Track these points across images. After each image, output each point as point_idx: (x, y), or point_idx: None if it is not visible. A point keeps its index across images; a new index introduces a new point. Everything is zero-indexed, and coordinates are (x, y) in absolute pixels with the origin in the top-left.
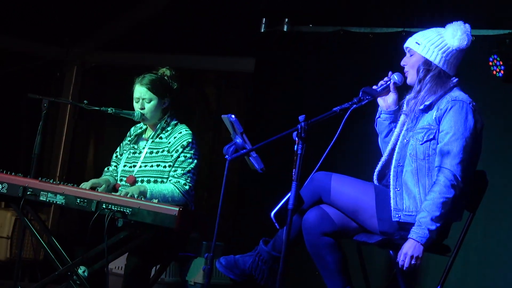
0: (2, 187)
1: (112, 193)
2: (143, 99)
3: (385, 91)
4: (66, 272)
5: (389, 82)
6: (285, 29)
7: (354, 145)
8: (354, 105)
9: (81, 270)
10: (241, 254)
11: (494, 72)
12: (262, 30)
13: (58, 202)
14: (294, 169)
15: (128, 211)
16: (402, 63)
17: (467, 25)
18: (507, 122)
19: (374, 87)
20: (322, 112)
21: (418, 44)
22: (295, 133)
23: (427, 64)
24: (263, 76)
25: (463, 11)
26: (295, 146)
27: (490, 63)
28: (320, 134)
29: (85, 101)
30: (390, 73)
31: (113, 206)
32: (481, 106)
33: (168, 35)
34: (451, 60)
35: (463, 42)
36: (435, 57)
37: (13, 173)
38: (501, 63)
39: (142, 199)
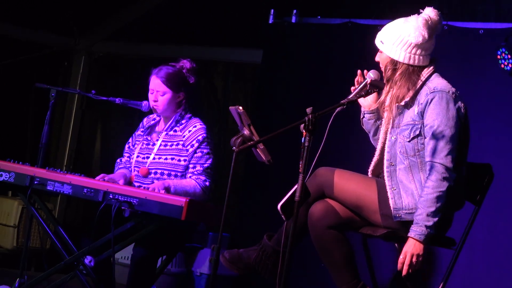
0: (10, 176)
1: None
2: (157, 91)
3: (364, 88)
4: (72, 262)
5: (366, 80)
6: (293, 21)
7: (356, 140)
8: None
9: (87, 260)
10: (245, 248)
11: (502, 66)
12: (270, 22)
13: (65, 192)
14: (300, 161)
15: (135, 201)
16: (376, 59)
17: (428, 11)
18: None
19: (352, 88)
20: (329, 104)
21: (382, 43)
22: (302, 125)
23: (392, 63)
24: (271, 68)
25: (470, 4)
26: (302, 139)
27: (498, 57)
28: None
29: (93, 91)
30: (365, 71)
31: (120, 196)
32: (489, 99)
33: (176, 25)
34: (418, 53)
35: (418, 38)
36: (399, 55)
37: (20, 163)
38: (509, 56)
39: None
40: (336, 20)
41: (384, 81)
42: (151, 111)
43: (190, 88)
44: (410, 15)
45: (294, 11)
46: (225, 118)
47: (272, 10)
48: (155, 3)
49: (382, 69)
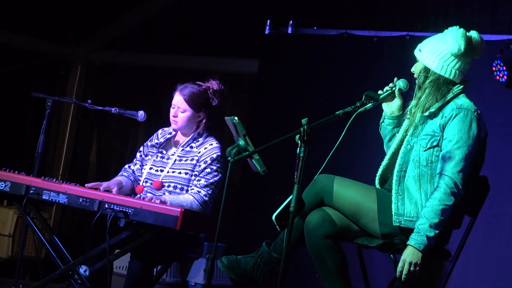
0: (5, 185)
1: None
2: (178, 107)
3: (390, 96)
4: (67, 271)
5: (394, 88)
6: (289, 32)
7: (357, 149)
8: (358, 109)
9: (82, 269)
10: (243, 255)
11: (498, 77)
12: (267, 32)
13: (60, 201)
14: (296, 172)
15: (130, 211)
16: (412, 69)
17: (472, 31)
18: (510, 127)
19: (380, 92)
20: (325, 115)
21: (420, 51)
22: (297, 136)
23: (426, 70)
24: (267, 78)
25: (467, 16)
26: (298, 149)
27: (494, 68)
28: (323, 137)
29: (89, 101)
30: (395, 79)
31: (115, 206)
32: (484, 111)
33: (173, 35)
34: (451, 65)
35: (454, 47)
36: (432, 63)
37: (16, 172)
38: (505, 68)
39: None
40: (332, 31)
41: (416, 89)
42: (147, 120)
43: (212, 109)
44: (405, 27)
45: (291, 22)
46: (221, 128)
47: (269, 20)
48: (152, 12)
49: (416, 78)
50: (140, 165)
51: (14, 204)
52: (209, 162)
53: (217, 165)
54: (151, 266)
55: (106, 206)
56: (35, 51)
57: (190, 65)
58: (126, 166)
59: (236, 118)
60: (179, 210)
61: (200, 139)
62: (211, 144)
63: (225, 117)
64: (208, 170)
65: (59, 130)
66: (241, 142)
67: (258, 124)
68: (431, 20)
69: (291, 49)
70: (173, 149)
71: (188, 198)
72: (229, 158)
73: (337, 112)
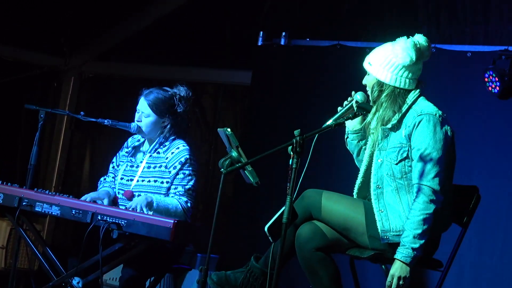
0: None
1: (114, 206)
2: (142, 112)
3: (350, 110)
4: (60, 283)
5: (352, 101)
6: (282, 43)
7: (343, 162)
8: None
9: (75, 281)
10: (232, 270)
11: (490, 88)
12: (260, 44)
13: (53, 213)
14: (288, 183)
15: (123, 222)
16: (363, 82)
17: (418, 37)
18: (502, 138)
19: (339, 108)
20: (318, 126)
21: (370, 64)
22: (290, 147)
23: (379, 84)
24: (260, 89)
25: (459, 27)
26: (290, 160)
27: (486, 79)
28: (316, 149)
29: (82, 112)
30: (353, 92)
31: (108, 217)
32: (476, 121)
33: (166, 46)
34: (405, 75)
35: (406, 59)
36: (385, 77)
37: (9, 184)
38: (497, 79)
39: (147, 210)
40: (325, 42)
41: (370, 103)
42: (139, 132)
43: (177, 116)
44: (397, 38)
45: (283, 33)
46: (215, 139)
47: (262, 32)
48: (145, 24)
49: (369, 91)
50: (113, 177)
51: (7, 216)
52: (178, 167)
53: (189, 168)
54: (143, 277)
55: (99, 217)
56: (27, 62)
57: (184, 77)
58: (102, 178)
59: (228, 129)
60: (172, 221)
61: (166, 144)
62: (178, 148)
63: (218, 129)
64: (181, 175)
65: (52, 141)
66: (234, 154)
67: (251, 135)
68: (424, 31)
69: (284, 60)
70: (141, 156)
71: (174, 202)
72: (222, 169)
73: (329, 123)
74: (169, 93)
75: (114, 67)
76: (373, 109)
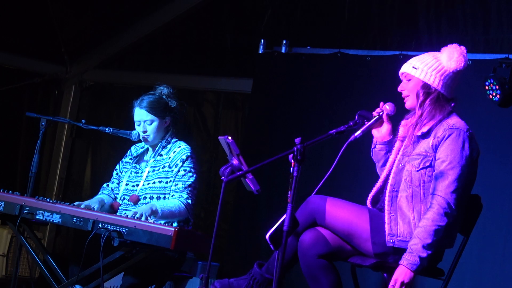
0: None
1: (117, 214)
2: (144, 121)
3: (379, 122)
4: None
5: (381, 113)
6: (283, 51)
7: (350, 169)
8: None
9: None
10: (235, 278)
11: (490, 96)
12: (261, 52)
13: (54, 221)
14: (289, 191)
15: (124, 230)
16: (399, 89)
17: (462, 47)
18: (503, 146)
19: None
20: (318, 134)
21: (415, 68)
22: (291, 155)
23: (426, 87)
24: (261, 97)
25: (459, 35)
26: (291, 168)
27: (487, 87)
28: (316, 157)
29: (83, 120)
30: (381, 103)
31: (109, 225)
32: (477, 129)
33: (167, 54)
34: (449, 83)
35: (460, 64)
36: (434, 80)
37: (10, 192)
38: (497, 87)
39: (153, 218)
40: (325, 50)
41: (417, 106)
42: (140, 140)
43: (174, 111)
44: (398, 46)
45: (284, 41)
46: (216, 146)
47: (263, 40)
48: (146, 32)
49: (407, 98)
50: (117, 183)
51: (8, 223)
52: (180, 164)
53: (189, 165)
54: (144, 285)
55: (100, 225)
56: (28, 70)
57: (185, 85)
58: (105, 184)
59: (229, 137)
60: (173, 229)
61: (168, 146)
62: (179, 147)
63: (219, 137)
64: (182, 172)
65: (53, 149)
66: (235, 162)
67: (251, 143)
68: (425, 39)
69: (284, 68)
70: (145, 163)
71: (175, 202)
72: (223, 177)
73: (330, 132)
74: (157, 94)
75: (114, 75)
76: (418, 113)
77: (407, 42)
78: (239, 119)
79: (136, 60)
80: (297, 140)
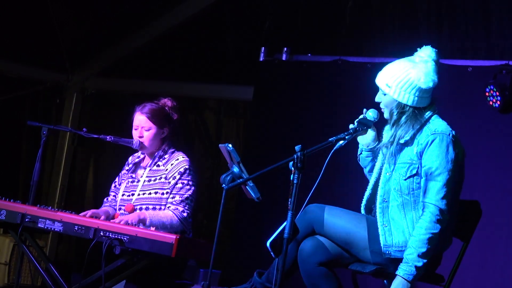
0: (1, 214)
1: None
2: (142, 127)
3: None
4: None
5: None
6: (284, 58)
7: (346, 177)
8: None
9: None
10: (236, 286)
11: (491, 103)
12: (261, 59)
13: (56, 229)
14: (290, 199)
15: (125, 238)
16: (376, 99)
17: (435, 52)
18: (503, 152)
19: (351, 126)
20: (319, 141)
21: (389, 87)
22: (291, 163)
23: (400, 106)
24: (262, 105)
25: (460, 42)
26: (291, 176)
27: (487, 94)
28: (317, 164)
29: (84, 129)
30: (364, 110)
31: (111, 233)
32: (477, 136)
33: (168, 62)
34: (424, 95)
35: (429, 84)
36: (408, 99)
37: (12, 200)
38: (498, 93)
39: (141, 226)
40: (326, 58)
41: (390, 124)
42: (141, 148)
43: (174, 124)
44: (399, 53)
45: (285, 48)
46: (217, 154)
47: (263, 48)
48: (147, 40)
49: (384, 110)
50: (114, 195)
51: (9, 232)
52: (178, 177)
53: (187, 178)
54: None
55: (102, 233)
56: (30, 79)
57: (186, 92)
58: (105, 199)
59: (230, 145)
60: (174, 237)
61: (166, 156)
62: (177, 159)
63: (220, 144)
64: (180, 185)
65: (55, 158)
66: (236, 169)
67: (252, 150)
68: (426, 44)
69: (285, 75)
70: (142, 171)
71: (168, 214)
72: (224, 185)
73: (330, 139)
74: (160, 104)
75: (116, 83)
76: (392, 128)
77: (408, 49)
78: (241, 126)
79: (138, 68)
80: (297, 148)
